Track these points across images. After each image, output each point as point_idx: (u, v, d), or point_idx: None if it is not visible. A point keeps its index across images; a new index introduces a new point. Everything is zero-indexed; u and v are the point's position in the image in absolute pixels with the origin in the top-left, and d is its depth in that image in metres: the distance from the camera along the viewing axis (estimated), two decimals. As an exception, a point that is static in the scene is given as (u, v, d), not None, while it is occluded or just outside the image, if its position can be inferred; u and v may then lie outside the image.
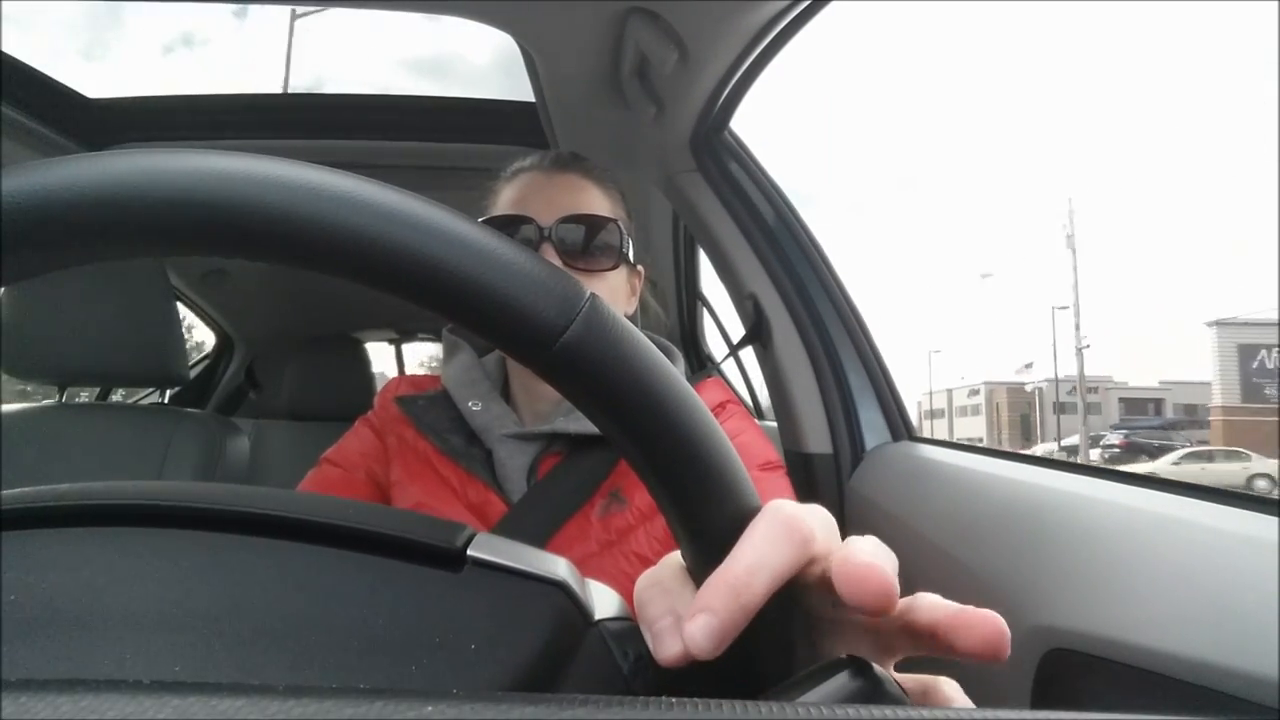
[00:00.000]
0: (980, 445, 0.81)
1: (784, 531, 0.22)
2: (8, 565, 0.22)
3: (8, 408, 1.15)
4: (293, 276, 1.65)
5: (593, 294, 0.21)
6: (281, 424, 1.68)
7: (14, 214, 0.18)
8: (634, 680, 0.24)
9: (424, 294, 0.20)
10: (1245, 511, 0.42)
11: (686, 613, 0.21)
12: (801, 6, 0.67)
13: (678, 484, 0.22)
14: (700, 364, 1.68)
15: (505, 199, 0.69)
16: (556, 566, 0.25)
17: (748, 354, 1.08)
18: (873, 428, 0.88)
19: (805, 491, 0.87)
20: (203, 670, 0.20)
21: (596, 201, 0.69)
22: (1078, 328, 23.08)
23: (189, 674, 0.20)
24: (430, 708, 0.15)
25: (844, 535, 0.25)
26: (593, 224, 0.66)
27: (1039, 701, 0.44)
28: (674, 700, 0.17)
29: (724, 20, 0.69)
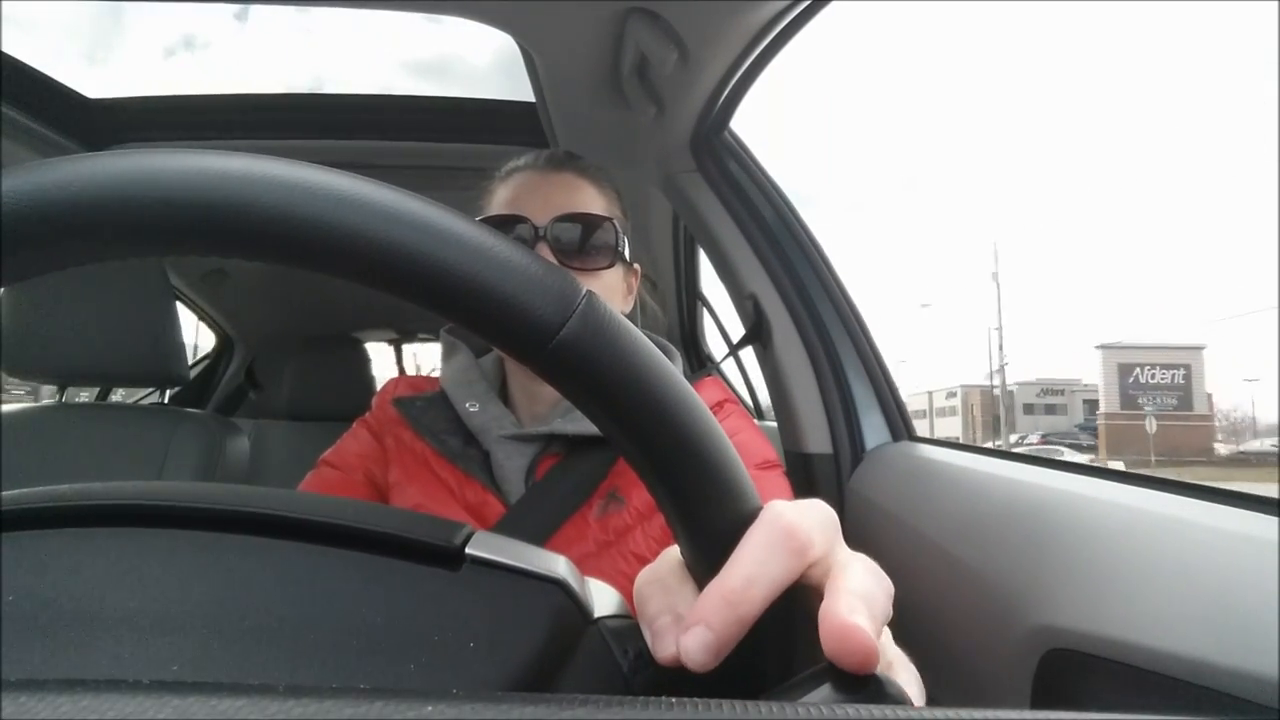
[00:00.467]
0: (980, 446, 0.81)
1: (782, 540, 0.22)
2: (8, 565, 0.22)
3: (8, 408, 1.15)
4: (292, 277, 1.65)
5: (589, 291, 0.21)
6: (281, 424, 1.69)
7: (14, 214, 0.18)
8: (633, 678, 0.24)
9: (421, 292, 0.20)
10: (1245, 511, 0.42)
11: (684, 619, 0.21)
12: (801, 6, 0.67)
13: (676, 481, 0.22)
14: (700, 364, 1.68)
15: (500, 198, 0.69)
16: (555, 564, 0.25)
17: (748, 354, 1.08)
18: (873, 428, 0.88)
19: (805, 491, 0.87)
20: (202, 670, 0.20)
21: (591, 200, 0.69)
22: (1001, 347, 31.39)
23: (188, 673, 0.20)
24: (430, 708, 0.15)
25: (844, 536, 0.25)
26: (588, 223, 0.66)
27: (1039, 701, 0.44)
28: (674, 700, 0.17)
29: (724, 20, 0.69)
